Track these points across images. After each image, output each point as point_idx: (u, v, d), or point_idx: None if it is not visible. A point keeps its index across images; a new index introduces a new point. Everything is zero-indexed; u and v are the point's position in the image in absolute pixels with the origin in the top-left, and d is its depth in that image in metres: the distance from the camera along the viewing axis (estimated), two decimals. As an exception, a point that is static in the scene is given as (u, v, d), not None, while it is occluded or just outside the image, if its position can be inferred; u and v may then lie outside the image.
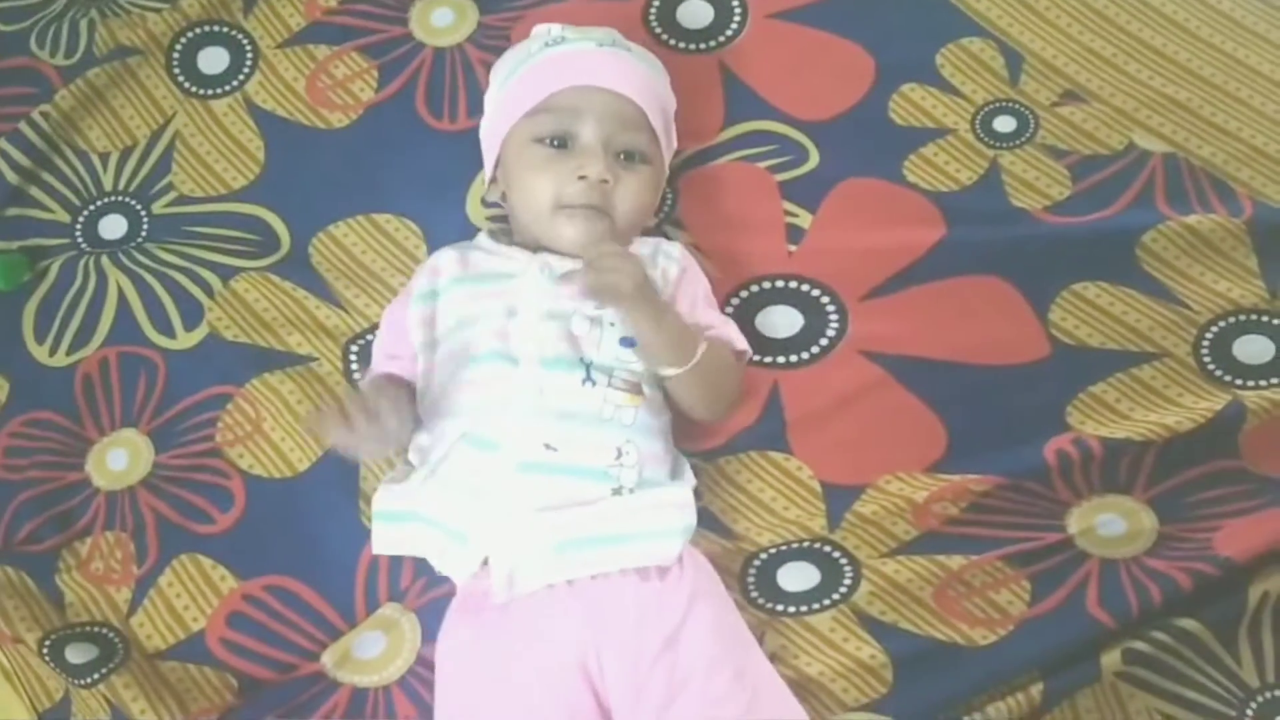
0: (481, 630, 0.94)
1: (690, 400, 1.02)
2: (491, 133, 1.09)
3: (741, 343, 1.05)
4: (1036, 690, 0.94)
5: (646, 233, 1.10)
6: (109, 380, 1.16)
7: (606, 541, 0.93)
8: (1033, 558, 1.01)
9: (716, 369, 1.02)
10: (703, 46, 1.26)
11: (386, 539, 0.98)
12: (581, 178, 1.01)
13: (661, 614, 0.92)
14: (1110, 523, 1.01)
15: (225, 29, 1.31)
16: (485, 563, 0.94)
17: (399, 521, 0.97)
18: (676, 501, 0.96)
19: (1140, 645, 0.95)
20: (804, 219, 1.16)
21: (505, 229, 1.12)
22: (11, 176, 1.24)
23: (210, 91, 1.29)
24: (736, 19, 1.27)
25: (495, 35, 1.27)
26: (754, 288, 1.14)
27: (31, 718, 1.02)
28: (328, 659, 1.03)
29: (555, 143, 1.03)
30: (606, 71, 1.04)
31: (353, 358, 1.15)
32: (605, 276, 0.95)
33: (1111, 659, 0.95)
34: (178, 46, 1.30)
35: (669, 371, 0.99)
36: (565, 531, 0.93)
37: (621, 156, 1.03)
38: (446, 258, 1.06)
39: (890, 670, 0.98)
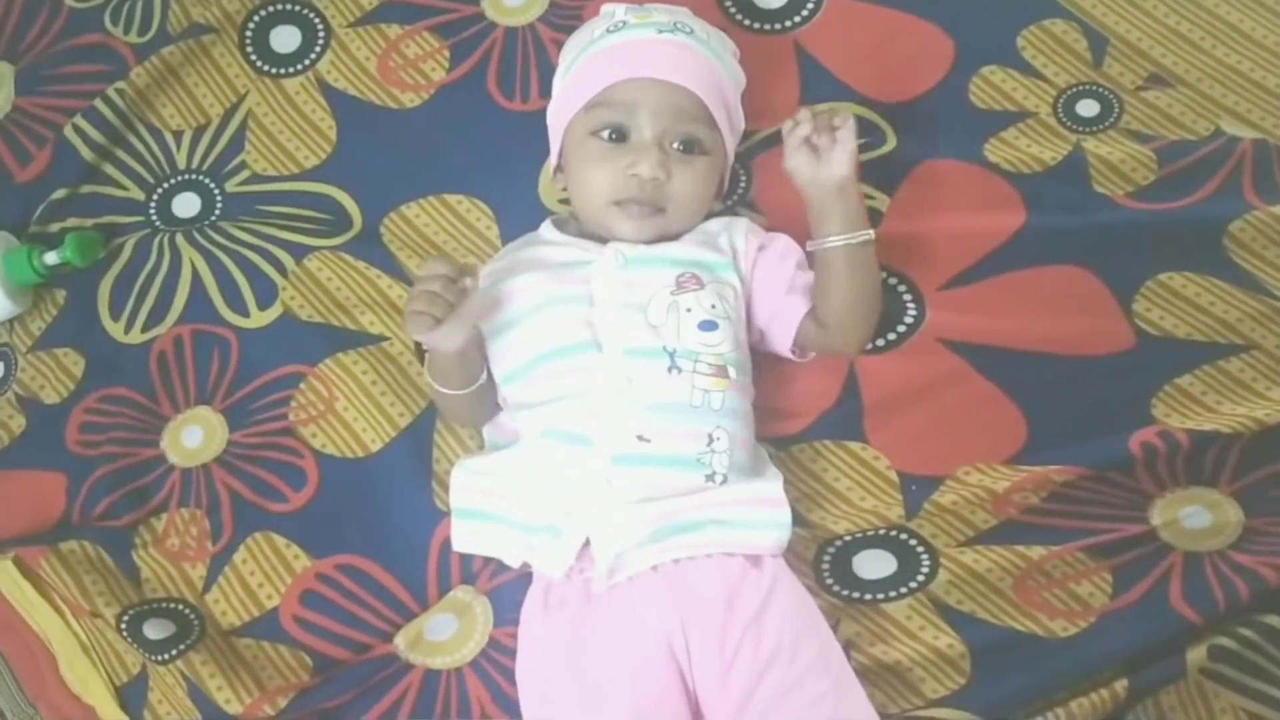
0: (567, 623, 0.94)
1: (843, 299, 1.00)
2: (556, 122, 1.09)
3: None
4: (1120, 686, 0.93)
5: (717, 214, 1.09)
6: (183, 358, 1.17)
7: (705, 526, 0.94)
8: (1115, 549, 0.99)
9: (871, 269, 1.01)
10: (778, 27, 1.24)
11: (468, 537, 0.99)
12: (634, 175, 1.00)
13: (747, 594, 0.92)
14: (1195, 515, 1.00)
15: (297, 7, 1.31)
16: (577, 556, 0.94)
17: (481, 519, 0.98)
18: (772, 497, 0.97)
19: (1226, 642, 0.93)
20: (881, 201, 1.14)
21: (573, 216, 1.12)
22: (87, 154, 1.25)
23: (283, 70, 1.29)
24: (812, -1, 1.25)
25: (567, 14, 1.26)
26: (829, 273, 1.12)
27: (110, 691, 1.03)
28: (400, 640, 1.03)
29: (612, 136, 1.02)
30: (664, 62, 1.03)
31: (423, 338, 1.15)
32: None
33: (1197, 656, 0.93)
34: (251, 24, 1.30)
35: (858, 237, 0.98)
36: (665, 519, 0.93)
37: (679, 147, 1.02)
38: (508, 260, 1.05)
39: (968, 660, 0.96)
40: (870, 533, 1.03)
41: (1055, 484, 1.02)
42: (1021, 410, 1.06)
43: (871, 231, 1.00)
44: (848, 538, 1.03)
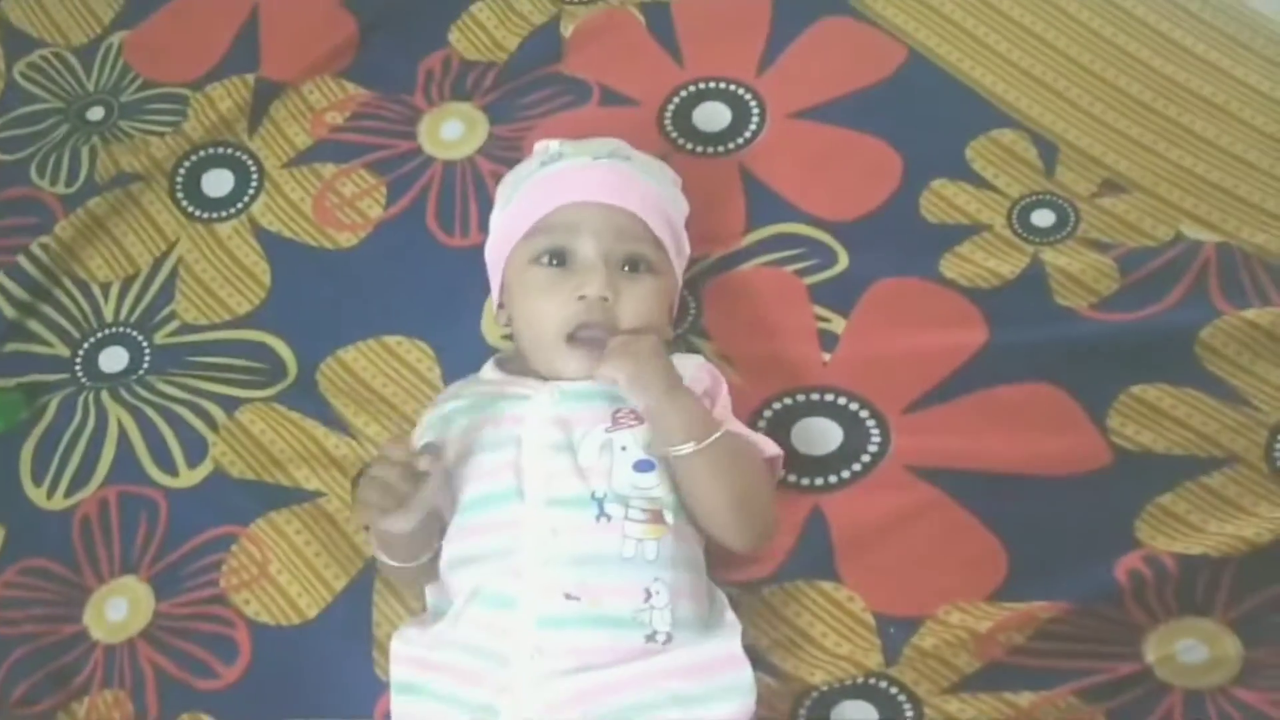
0: None
1: (714, 503, 0.92)
2: (495, 256, 1.05)
3: (771, 448, 0.97)
4: (1129, 844, 0.85)
5: (666, 347, 1.04)
6: (108, 523, 1.10)
7: (661, 707, 0.85)
8: (1109, 691, 0.92)
9: (740, 463, 0.93)
10: (721, 149, 1.22)
11: (408, 715, 0.90)
12: (581, 297, 0.95)
13: None
14: (1191, 649, 0.93)
15: (230, 150, 1.28)
16: None
17: (420, 696, 0.90)
18: (728, 655, 0.88)
19: (1238, 789, 0.87)
20: (837, 324, 1.10)
21: (517, 353, 1.06)
22: (9, 311, 1.20)
23: (214, 215, 1.25)
24: (755, 120, 1.23)
25: (507, 146, 1.24)
26: (787, 400, 1.07)
27: None
28: (344, 825, 0.95)
29: (554, 261, 0.98)
30: (602, 185, 1.00)
31: (364, 489, 1.08)
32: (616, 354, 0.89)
33: (1208, 806, 0.86)
34: (181, 170, 1.27)
35: (683, 448, 0.89)
36: (608, 695, 0.85)
37: (625, 268, 0.98)
38: (446, 408, 0.99)
39: (962, 822, 0.89)
40: (848, 682, 0.96)
41: (1041, 621, 0.95)
42: (1000, 539, 0.99)
43: (722, 429, 0.91)
44: (824, 688, 0.96)
